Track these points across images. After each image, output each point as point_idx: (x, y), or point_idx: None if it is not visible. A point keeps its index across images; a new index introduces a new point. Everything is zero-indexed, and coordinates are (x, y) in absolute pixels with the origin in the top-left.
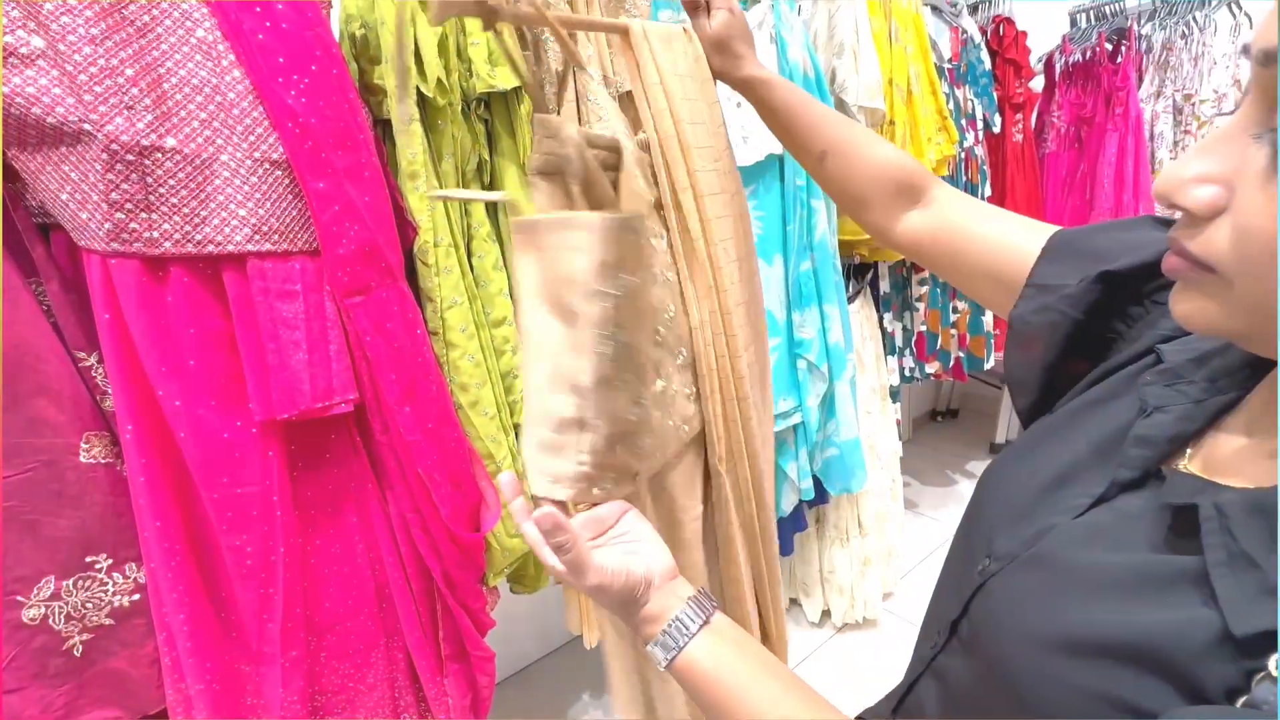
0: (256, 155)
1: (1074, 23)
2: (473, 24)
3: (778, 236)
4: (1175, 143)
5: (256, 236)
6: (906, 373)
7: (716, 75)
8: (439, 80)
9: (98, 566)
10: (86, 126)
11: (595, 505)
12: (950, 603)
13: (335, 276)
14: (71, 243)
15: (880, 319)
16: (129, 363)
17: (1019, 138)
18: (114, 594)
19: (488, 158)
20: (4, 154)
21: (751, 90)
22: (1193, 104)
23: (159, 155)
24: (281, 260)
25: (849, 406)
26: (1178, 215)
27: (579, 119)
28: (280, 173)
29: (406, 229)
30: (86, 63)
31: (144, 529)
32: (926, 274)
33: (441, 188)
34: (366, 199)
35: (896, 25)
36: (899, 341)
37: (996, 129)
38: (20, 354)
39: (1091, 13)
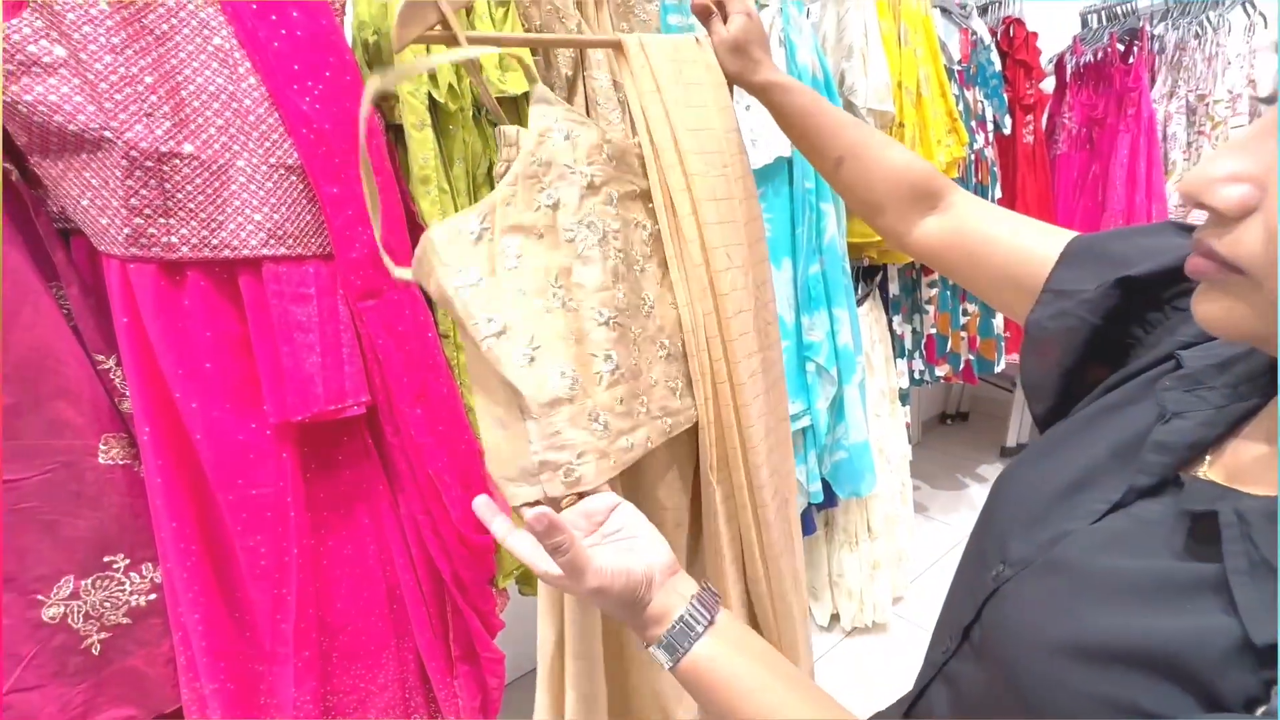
0: (272, 161)
1: (1085, 23)
2: (483, 28)
3: (786, 239)
4: (1189, 144)
5: (271, 241)
6: (916, 375)
7: (732, 80)
8: (450, 86)
9: (115, 566)
10: (107, 134)
11: (581, 497)
12: (963, 608)
13: (348, 280)
14: (91, 248)
15: (889, 321)
16: (147, 366)
17: (1030, 139)
18: (131, 593)
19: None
20: (27, 161)
21: (768, 95)
22: (1206, 104)
23: (177, 161)
24: (295, 264)
25: (858, 409)
26: (1194, 220)
27: None
28: (295, 178)
29: (418, 233)
30: (107, 71)
31: (160, 529)
32: (936, 276)
33: (452, 193)
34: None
35: (906, 27)
36: (908, 344)
37: (1007, 130)
38: (41, 357)
39: (1103, 13)
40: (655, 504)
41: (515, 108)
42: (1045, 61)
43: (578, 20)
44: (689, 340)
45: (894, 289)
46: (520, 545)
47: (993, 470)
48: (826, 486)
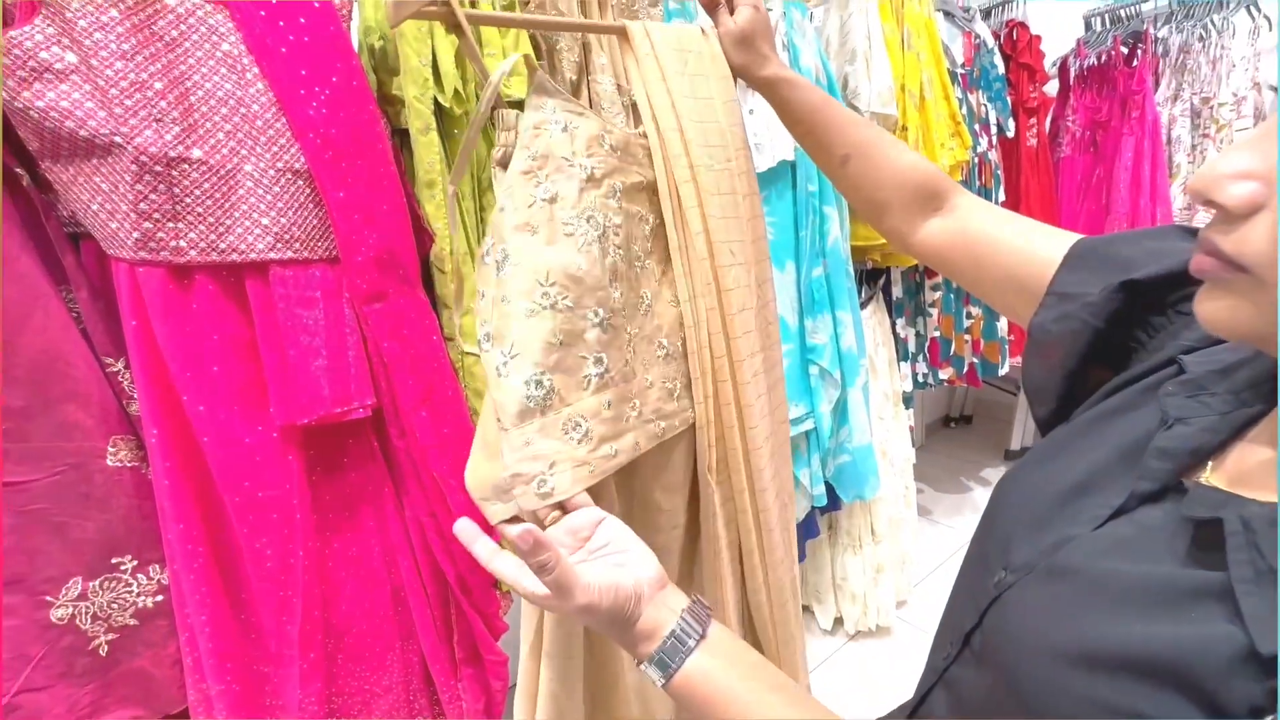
0: (279, 165)
1: (1089, 26)
2: (489, 35)
3: (790, 243)
4: (1193, 146)
5: (279, 245)
6: (920, 379)
7: (738, 74)
8: (455, 90)
9: (123, 568)
10: (117, 139)
11: (565, 511)
12: (965, 613)
13: (354, 283)
14: (100, 252)
15: (893, 325)
16: (155, 368)
17: (1033, 142)
18: (138, 595)
19: None
20: (38, 166)
21: (774, 90)
22: (1211, 107)
23: (186, 166)
24: (302, 268)
25: (862, 412)
26: (1199, 223)
27: None
28: (302, 182)
29: (423, 237)
30: (118, 77)
31: (167, 531)
32: (939, 279)
33: (458, 196)
34: (385, 208)
35: (909, 31)
36: (912, 347)
37: (1010, 134)
38: (51, 360)
39: (1106, 16)
40: (652, 505)
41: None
42: (1049, 64)
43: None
44: (690, 336)
45: (897, 292)
46: (505, 568)
47: (997, 474)
48: (830, 490)
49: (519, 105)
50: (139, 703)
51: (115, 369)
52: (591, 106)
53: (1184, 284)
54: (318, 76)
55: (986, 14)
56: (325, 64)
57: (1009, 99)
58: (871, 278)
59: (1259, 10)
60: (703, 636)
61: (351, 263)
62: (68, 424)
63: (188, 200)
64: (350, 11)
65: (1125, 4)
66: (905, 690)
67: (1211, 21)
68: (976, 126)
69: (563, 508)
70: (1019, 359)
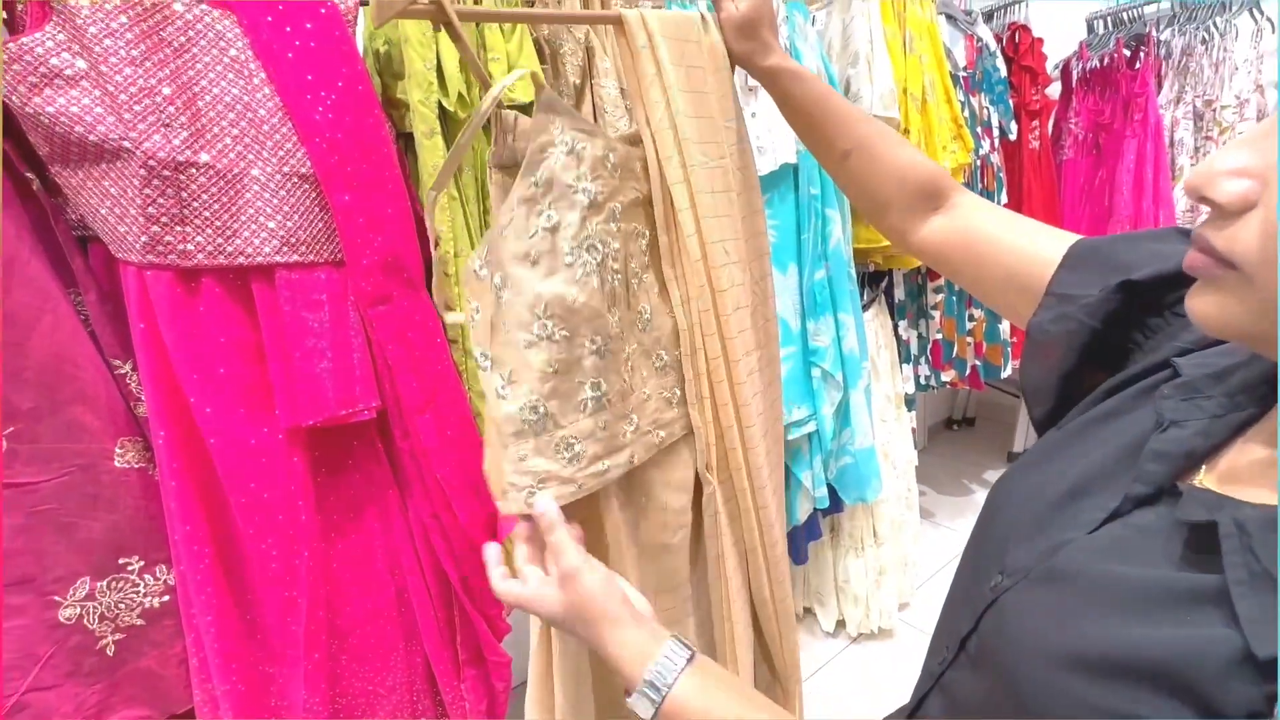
0: (285, 170)
1: (1091, 29)
2: (492, 39)
3: (792, 245)
4: (1196, 149)
5: (285, 248)
6: (922, 381)
7: (739, 63)
8: (460, 94)
9: (130, 568)
10: (126, 144)
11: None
12: (961, 617)
13: (359, 287)
14: (108, 255)
15: (895, 327)
16: (162, 371)
17: (1035, 145)
18: (145, 595)
19: None
20: (48, 170)
21: (776, 82)
22: (1214, 110)
23: (193, 170)
24: (307, 271)
25: (864, 415)
26: (1199, 224)
27: None
28: (308, 186)
29: (427, 240)
30: (127, 83)
31: (174, 532)
32: (941, 281)
33: (462, 200)
34: (390, 211)
35: (911, 34)
36: (914, 349)
37: (1013, 136)
38: (60, 363)
39: (1109, 19)
40: (660, 504)
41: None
42: (1051, 67)
43: (586, 28)
44: (684, 339)
45: (899, 294)
46: (503, 588)
47: (999, 476)
48: (832, 492)
49: (522, 109)
50: (145, 702)
51: (123, 371)
52: (595, 110)
53: (1181, 285)
54: (324, 81)
55: (989, 17)
56: (331, 69)
57: (1011, 102)
58: (874, 280)
59: (1261, 13)
60: (691, 658)
61: (357, 266)
62: (76, 425)
63: (195, 204)
64: (356, 16)
65: (1128, 6)
66: (907, 693)
67: (1214, 24)
68: (979, 129)
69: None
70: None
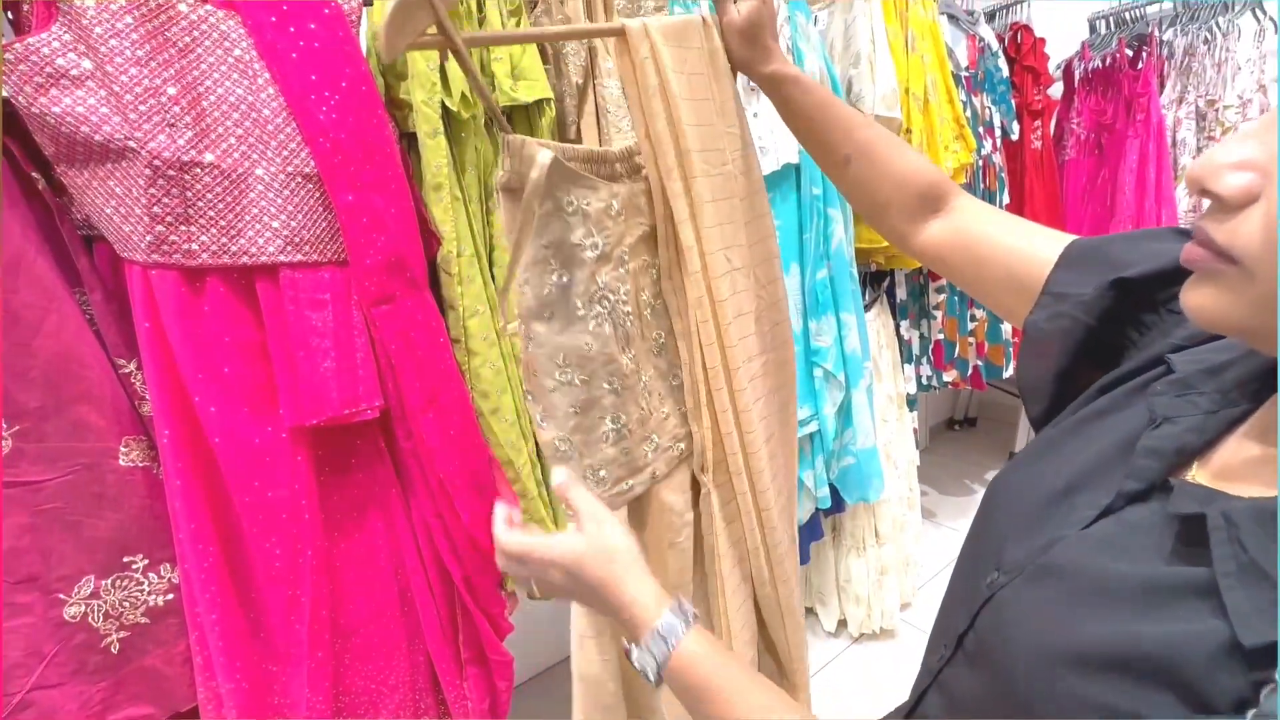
0: (289, 169)
1: (1093, 29)
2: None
3: (794, 245)
4: (1198, 149)
5: (289, 248)
6: (924, 381)
7: (740, 69)
8: (463, 94)
9: (135, 567)
10: (131, 143)
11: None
12: (958, 615)
13: (362, 286)
14: (113, 254)
15: (897, 327)
16: (167, 370)
17: (1038, 145)
18: (149, 593)
19: None
20: (54, 169)
21: (777, 87)
22: (1216, 110)
23: (198, 170)
24: (311, 270)
25: (866, 415)
26: (1198, 218)
27: (598, 131)
28: (311, 186)
29: (430, 240)
30: (132, 83)
31: (178, 531)
32: (943, 282)
33: (465, 200)
34: (393, 211)
35: (913, 34)
36: (916, 349)
37: (1014, 136)
38: (65, 361)
39: (1111, 19)
40: (660, 504)
41: (526, 115)
42: (1053, 67)
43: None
44: (681, 348)
45: (901, 294)
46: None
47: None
48: (834, 492)
49: (525, 109)
50: (150, 700)
51: (128, 370)
52: (598, 110)
53: (1175, 282)
54: (327, 81)
55: (991, 17)
56: (335, 69)
57: (1013, 102)
58: (875, 280)
59: (1264, 13)
60: (692, 621)
61: (360, 265)
62: (81, 424)
63: (200, 204)
64: (359, 17)
65: (1130, 6)
66: (909, 693)
67: (1216, 24)
68: (981, 129)
69: None
70: None
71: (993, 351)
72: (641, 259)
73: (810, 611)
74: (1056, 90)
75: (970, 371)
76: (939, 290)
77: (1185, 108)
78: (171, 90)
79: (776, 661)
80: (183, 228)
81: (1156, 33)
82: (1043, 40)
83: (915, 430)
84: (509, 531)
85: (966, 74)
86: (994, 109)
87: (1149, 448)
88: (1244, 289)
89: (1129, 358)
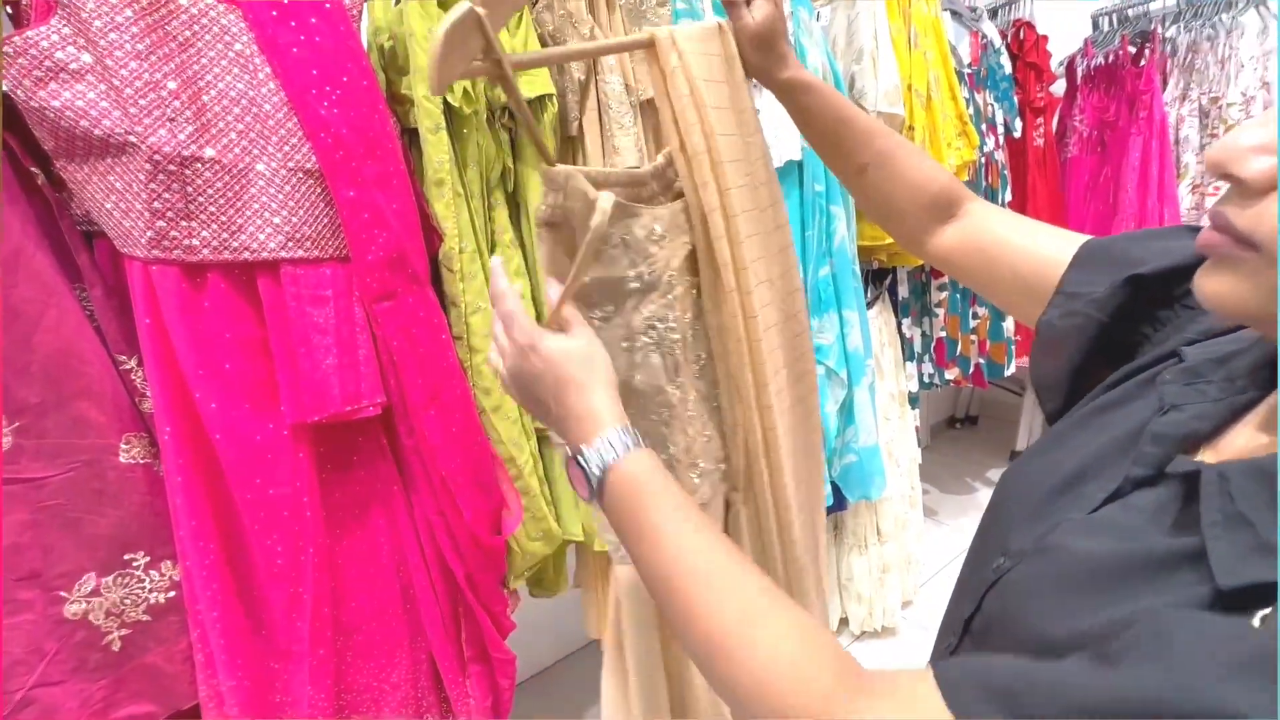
0: (291, 165)
1: (1096, 26)
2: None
3: (796, 242)
4: (1201, 146)
5: (290, 244)
6: (925, 379)
7: (754, 76)
8: (464, 90)
9: (136, 564)
10: (131, 138)
11: None
12: (965, 601)
13: (364, 282)
14: (114, 250)
15: (899, 325)
16: (168, 366)
17: (1040, 142)
18: (150, 591)
19: (511, 165)
20: (53, 164)
21: (792, 95)
22: (1219, 107)
23: (199, 165)
24: (313, 267)
25: (868, 413)
26: (1205, 223)
27: (600, 128)
28: (313, 181)
29: (432, 236)
30: (132, 77)
31: (180, 528)
32: (945, 280)
33: (466, 196)
34: (394, 206)
35: (916, 30)
36: (918, 347)
37: (1017, 133)
38: (66, 358)
39: (1114, 16)
40: None
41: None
42: (1056, 64)
43: (591, 25)
44: (719, 368)
45: (903, 292)
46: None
47: (1004, 470)
48: (836, 490)
49: (536, 101)
50: (151, 698)
51: (128, 366)
52: (599, 107)
53: (1189, 277)
54: (329, 76)
55: (993, 13)
56: (336, 64)
57: (1016, 99)
58: (878, 277)
59: (1268, 10)
60: (638, 443)
61: (362, 261)
62: (81, 421)
63: (201, 199)
64: (360, 11)
65: (1133, 3)
66: None
67: (1220, 21)
68: (983, 126)
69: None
70: (1025, 359)
71: (994, 349)
72: (687, 279)
73: None
74: (1059, 87)
75: (972, 369)
76: (941, 288)
77: (1188, 105)
78: (172, 84)
79: None
80: (183, 223)
81: (1160, 29)
82: (1045, 37)
83: (917, 428)
84: (512, 289)
85: (969, 70)
86: (997, 106)
87: (1156, 434)
88: (1261, 277)
89: (1144, 353)
